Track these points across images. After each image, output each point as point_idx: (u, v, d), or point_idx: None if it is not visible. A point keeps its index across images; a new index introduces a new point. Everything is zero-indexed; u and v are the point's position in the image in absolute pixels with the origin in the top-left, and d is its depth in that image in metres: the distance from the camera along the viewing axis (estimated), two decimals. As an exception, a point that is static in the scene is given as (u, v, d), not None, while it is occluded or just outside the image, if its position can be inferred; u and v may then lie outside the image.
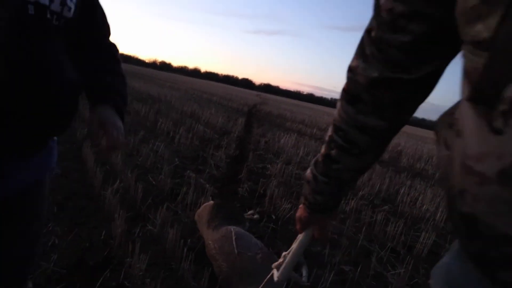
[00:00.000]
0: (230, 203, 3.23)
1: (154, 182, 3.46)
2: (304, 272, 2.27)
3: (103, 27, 1.13)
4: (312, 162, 0.88)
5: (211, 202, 2.64)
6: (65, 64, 0.90)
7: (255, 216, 3.12)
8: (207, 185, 3.68)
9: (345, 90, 0.74)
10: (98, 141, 1.00)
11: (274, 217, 3.21)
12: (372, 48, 0.65)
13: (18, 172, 0.94)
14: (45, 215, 1.15)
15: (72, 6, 0.91)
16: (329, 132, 0.81)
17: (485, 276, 0.50)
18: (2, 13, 0.74)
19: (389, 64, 0.63)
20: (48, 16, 0.84)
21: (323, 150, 0.83)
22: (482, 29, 0.41)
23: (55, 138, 1.08)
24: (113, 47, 1.17)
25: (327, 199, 0.88)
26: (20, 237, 1.03)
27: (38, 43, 0.82)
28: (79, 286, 1.79)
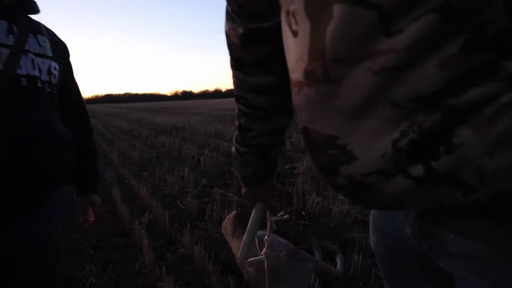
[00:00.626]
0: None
1: (182, 207, 3.52)
2: (339, 262, 2.22)
3: (77, 90, 1.26)
4: (234, 137, 0.88)
5: (234, 212, 2.66)
6: (55, 122, 1.01)
7: (285, 217, 3.10)
8: (235, 197, 3.70)
9: (230, 56, 0.75)
10: (86, 218, 1.30)
11: (304, 213, 3.18)
12: (232, 5, 0.66)
13: (25, 225, 0.99)
14: (58, 260, 1.19)
15: (57, 74, 1.05)
16: (235, 103, 0.82)
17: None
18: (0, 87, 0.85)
19: (250, 16, 0.65)
20: (39, 85, 0.96)
21: (236, 122, 0.84)
22: None
23: (63, 188, 1.13)
24: (83, 106, 1.30)
25: (257, 169, 0.86)
26: (32, 284, 1.05)
27: (30, 109, 0.93)
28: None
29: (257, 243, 2.12)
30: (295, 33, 0.44)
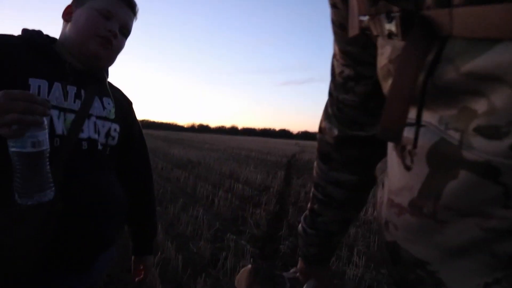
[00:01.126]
0: (270, 263, 3.18)
1: (195, 250, 3.48)
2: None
3: (139, 150, 1.26)
4: (302, 217, 0.93)
5: (249, 266, 2.62)
6: (114, 185, 1.04)
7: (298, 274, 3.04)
8: (248, 246, 3.65)
9: (318, 150, 0.80)
10: (137, 274, 1.35)
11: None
12: (333, 108, 0.71)
13: (78, 282, 1.04)
14: None
15: (116, 136, 1.06)
16: (312, 188, 0.86)
17: None
18: (62, 152, 0.87)
19: (347, 122, 0.69)
20: (99, 147, 0.99)
21: (309, 205, 0.89)
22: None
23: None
24: (145, 166, 1.30)
25: (319, 250, 0.91)
26: None
27: (89, 172, 0.95)
28: None
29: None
30: (407, 167, 0.46)
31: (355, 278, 3.01)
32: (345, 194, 0.79)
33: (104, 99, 1.05)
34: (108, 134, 1.03)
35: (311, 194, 0.88)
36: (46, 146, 0.74)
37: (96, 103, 1.01)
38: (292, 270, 3.29)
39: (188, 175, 8.18)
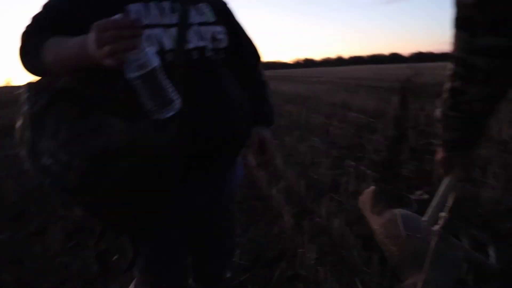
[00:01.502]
0: (393, 186, 3.11)
1: (315, 177, 3.58)
2: (492, 254, 2.03)
3: (248, 44, 1.25)
4: (439, 101, 0.85)
5: (372, 187, 2.60)
6: (232, 87, 1.04)
7: (425, 196, 2.93)
8: (368, 171, 3.62)
9: (458, 16, 0.71)
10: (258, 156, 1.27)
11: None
12: None
13: (221, 184, 1.17)
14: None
15: (222, 37, 1.05)
16: (450, 65, 0.78)
17: None
18: (176, 64, 0.89)
19: None
20: (208, 54, 0.99)
21: (447, 85, 0.80)
22: None
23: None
24: (257, 58, 1.29)
25: (462, 134, 0.84)
26: (226, 233, 1.31)
27: (206, 79, 0.96)
28: (261, 276, 2.01)
29: (400, 222, 2.06)
30: None
31: (491, 201, 2.78)
32: (492, 62, 0.70)
33: (199, 5, 1.04)
34: (214, 38, 1.02)
35: (449, 72, 0.79)
36: (153, 64, 0.74)
37: (193, 12, 1.00)
38: (417, 193, 3.16)
39: (300, 109, 8.24)
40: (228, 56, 1.07)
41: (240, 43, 1.17)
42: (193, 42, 0.96)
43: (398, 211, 2.20)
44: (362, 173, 3.57)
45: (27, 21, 0.94)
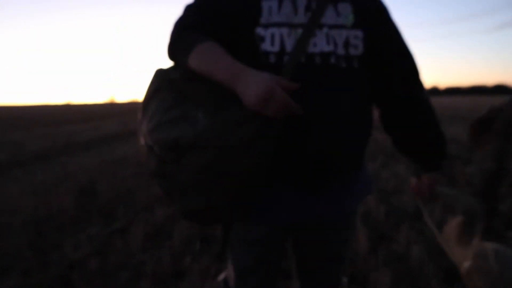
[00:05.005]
0: (487, 221, 2.80)
1: (396, 204, 3.37)
2: None
3: (403, 61, 1.02)
4: None
5: (461, 217, 2.37)
6: (354, 101, 0.92)
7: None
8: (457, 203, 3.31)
9: None
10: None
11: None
12: None
13: (345, 197, 1.02)
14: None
15: (359, 43, 0.91)
16: None
17: None
18: (288, 68, 0.85)
19: None
20: (333, 61, 0.88)
21: None
22: None
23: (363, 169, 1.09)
24: (415, 73, 1.04)
25: None
26: (345, 244, 1.13)
27: (322, 88, 0.87)
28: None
29: (493, 257, 1.83)
30: None
31: None
32: None
33: (340, 4, 0.92)
34: (347, 44, 0.90)
35: None
36: None
37: (329, 11, 0.90)
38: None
39: (386, 136, 7.87)
40: (366, 66, 0.94)
41: (386, 52, 0.98)
42: (319, 46, 0.88)
43: (489, 245, 1.97)
44: (450, 204, 3.28)
45: (181, 11, 0.96)
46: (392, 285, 1.96)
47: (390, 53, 0.98)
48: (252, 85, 0.76)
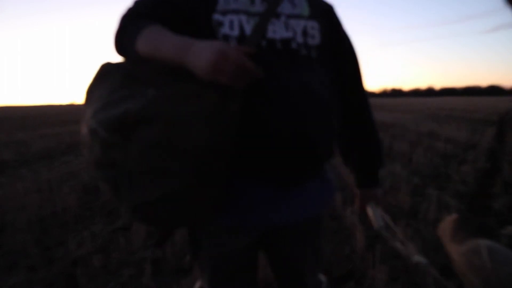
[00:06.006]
0: (481, 218, 2.87)
1: (393, 202, 3.44)
2: None
3: (353, 63, 1.09)
4: None
5: (455, 215, 2.44)
6: (314, 85, 0.90)
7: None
8: (452, 201, 3.38)
9: None
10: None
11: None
12: None
13: (297, 204, 0.95)
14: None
15: (316, 34, 0.94)
16: None
17: None
18: (259, 54, 0.83)
19: None
20: (294, 46, 0.90)
21: None
22: None
23: (326, 171, 1.05)
24: (360, 83, 1.11)
25: None
26: (321, 243, 1.14)
27: (285, 71, 0.86)
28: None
29: (486, 253, 1.90)
30: None
31: None
32: None
33: (296, 0, 0.96)
34: (305, 33, 0.92)
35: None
36: None
37: (285, 3, 0.93)
38: (509, 228, 2.93)
39: (382, 136, 7.98)
40: (323, 57, 0.96)
41: (340, 50, 1.04)
42: (279, 32, 0.89)
43: (482, 242, 2.04)
44: (444, 202, 3.35)
45: (130, 4, 0.92)
46: (388, 282, 2.03)
47: (341, 51, 1.04)
48: (203, 52, 0.71)
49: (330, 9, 1.05)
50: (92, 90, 0.84)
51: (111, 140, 0.73)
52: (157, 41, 0.80)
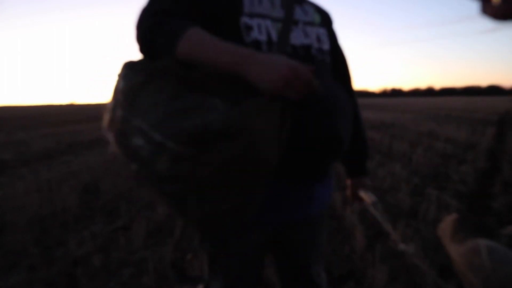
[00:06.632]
0: (480, 218, 2.88)
1: (393, 202, 3.44)
2: None
3: (344, 59, 1.16)
4: None
5: (455, 215, 2.44)
6: (339, 89, 0.95)
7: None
8: (452, 201, 3.39)
9: None
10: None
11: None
12: None
13: (310, 199, 0.99)
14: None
15: (326, 40, 1.00)
16: None
17: None
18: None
19: None
20: (313, 53, 0.94)
21: None
22: None
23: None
24: (351, 84, 1.20)
25: None
26: (323, 240, 1.17)
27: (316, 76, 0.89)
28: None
29: (485, 253, 1.90)
30: None
31: None
32: None
33: (305, 7, 1.00)
34: (319, 39, 0.97)
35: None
36: None
37: (298, 10, 0.97)
38: (509, 227, 2.92)
39: (382, 136, 7.98)
40: (331, 62, 1.02)
41: (337, 54, 1.10)
42: (299, 39, 0.92)
43: (482, 242, 2.03)
44: (444, 202, 3.35)
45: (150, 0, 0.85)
46: (388, 281, 2.03)
47: (336, 54, 1.09)
48: (273, 66, 0.71)
49: (329, 16, 1.11)
50: (136, 97, 0.74)
51: (184, 153, 0.67)
52: (207, 46, 0.76)
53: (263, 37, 0.86)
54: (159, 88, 0.73)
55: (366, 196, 1.29)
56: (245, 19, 0.85)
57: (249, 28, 0.85)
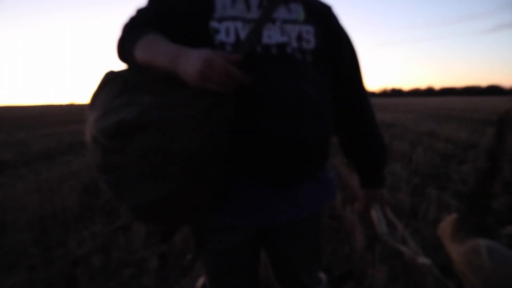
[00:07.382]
0: (480, 218, 2.88)
1: (393, 202, 3.44)
2: None
3: (352, 63, 1.08)
4: None
5: (455, 215, 2.44)
6: (308, 90, 0.90)
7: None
8: (452, 201, 3.38)
9: None
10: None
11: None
12: None
13: (296, 205, 0.97)
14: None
15: (311, 38, 0.95)
16: None
17: None
18: (253, 59, 0.87)
19: None
20: (289, 51, 0.91)
21: None
22: None
23: (327, 171, 1.07)
24: (361, 84, 1.11)
25: None
26: (319, 242, 1.15)
27: (279, 76, 0.87)
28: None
29: (485, 253, 1.90)
30: None
31: None
32: None
33: (292, 5, 0.97)
34: (299, 38, 0.93)
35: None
36: None
37: (282, 9, 0.95)
38: (509, 227, 2.92)
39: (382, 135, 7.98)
40: (319, 61, 0.96)
41: (338, 52, 1.03)
42: (274, 38, 0.90)
43: (482, 242, 2.03)
44: (444, 202, 3.35)
45: (132, 12, 0.94)
46: (388, 281, 2.03)
47: (338, 53, 1.03)
48: (191, 60, 0.74)
49: (328, 11, 1.06)
50: (95, 98, 0.88)
51: (110, 146, 0.77)
52: (152, 49, 0.83)
53: (229, 39, 0.88)
54: (110, 89, 0.84)
55: (377, 221, 1.17)
56: (213, 24, 0.88)
57: (216, 31, 0.88)
